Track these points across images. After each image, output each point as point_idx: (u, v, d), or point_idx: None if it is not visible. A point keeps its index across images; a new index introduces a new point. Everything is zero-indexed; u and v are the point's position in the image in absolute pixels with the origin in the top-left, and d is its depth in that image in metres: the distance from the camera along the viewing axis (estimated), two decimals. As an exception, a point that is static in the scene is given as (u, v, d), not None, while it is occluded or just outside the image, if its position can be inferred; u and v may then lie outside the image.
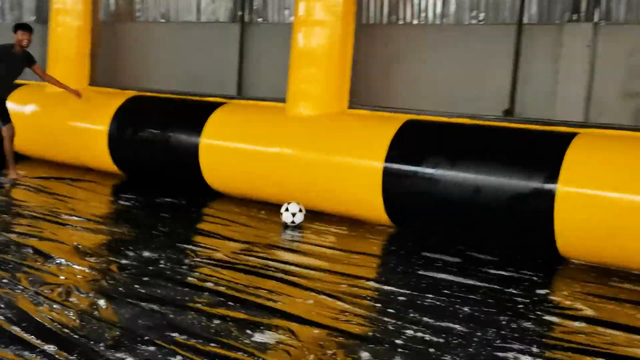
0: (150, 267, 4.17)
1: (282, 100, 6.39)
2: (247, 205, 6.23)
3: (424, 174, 5.20)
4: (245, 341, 3.09)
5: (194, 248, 4.72)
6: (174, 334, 3.12)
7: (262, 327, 3.24)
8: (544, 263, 4.72)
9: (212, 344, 3.03)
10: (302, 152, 5.93)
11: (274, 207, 6.04)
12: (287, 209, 5.46)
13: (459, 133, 5.39)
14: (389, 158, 5.39)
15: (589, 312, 3.75)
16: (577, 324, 3.55)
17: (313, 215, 5.78)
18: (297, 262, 4.47)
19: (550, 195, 4.63)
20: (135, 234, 5.03)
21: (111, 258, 4.34)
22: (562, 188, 4.61)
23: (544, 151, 4.90)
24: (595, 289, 4.20)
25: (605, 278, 4.42)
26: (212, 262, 4.37)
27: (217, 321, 3.30)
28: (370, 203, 5.53)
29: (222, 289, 3.82)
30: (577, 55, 5.53)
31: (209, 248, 4.73)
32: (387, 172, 5.38)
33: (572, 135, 4.87)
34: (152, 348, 2.96)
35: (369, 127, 5.82)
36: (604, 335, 3.38)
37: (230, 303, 3.58)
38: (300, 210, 5.45)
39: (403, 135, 5.49)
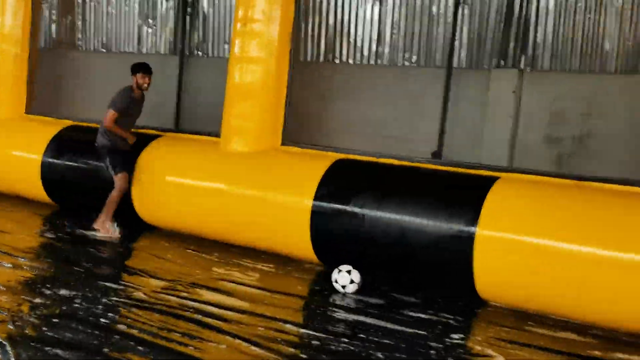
0: (64, 307, 4.08)
1: (219, 134, 6.40)
2: (178, 239, 6.17)
3: (351, 213, 5.24)
4: (147, 390, 3.03)
5: (115, 286, 4.64)
6: (74, 382, 3.05)
7: (167, 375, 3.19)
8: (464, 306, 4.77)
9: (113, 393, 2.97)
10: (234, 187, 5.93)
11: (204, 243, 6.01)
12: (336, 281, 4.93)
13: (387, 173, 5.45)
14: (317, 196, 5.43)
15: (499, 359, 3.80)
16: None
17: (242, 251, 5.77)
18: (218, 303, 4.43)
19: (470, 238, 4.71)
20: (56, 270, 4.93)
21: (24, 296, 4.23)
22: (481, 232, 4.69)
23: (466, 194, 4.99)
24: (509, 334, 4.26)
25: (522, 322, 4.49)
26: (130, 301, 4.31)
27: (122, 368, 3.24)
28: (299, 241, 5.54)
29: (134, 331, 3.76)
30: (503, 101, 5.67)
31: (130, 286, 4.66)
32: (315, 210, 5.40)
33: (494, 180, 4.98)
34: (48, 397, 2.88)
35: (300, 164, 5.85)
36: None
37: (139, 348, 3.52)
38: (352, 282, 4.88)
39: (333, 174, 5.53)
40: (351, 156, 5.78)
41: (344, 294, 4.81)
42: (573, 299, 4.46)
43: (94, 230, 6.18)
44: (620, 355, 4.02)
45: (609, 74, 5.26)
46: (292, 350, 3.69)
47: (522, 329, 4.38)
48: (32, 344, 3.46)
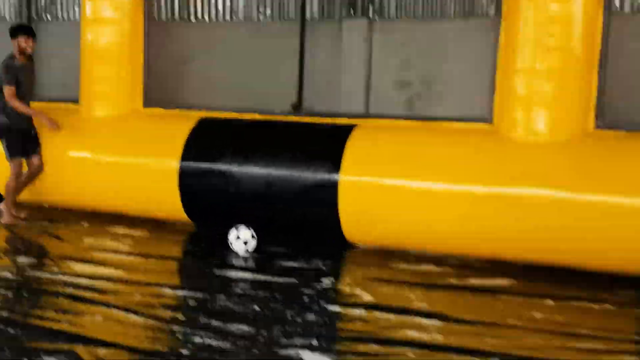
0: None
1: (76, 100, 6.21)
2: (43, 212, 6.01)
3: (218, 171, 5.31)
4: (25, 371, 3.02)
5: (-22, 268, 4.48)
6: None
7: (42, 354, 3.17)
8: (333, 251, 5.02)
9: (-12, 379, 2.93)
10: (99, 154, 5.83)
11: (72, 214, 5.89)
12: (238, 237, 4.91)
13: (250, 129, 5.54)
14: (184, 157, 5.44)
15: (368, 298, 4.06)
16: (356, 311, 3.82)
17: (114, 218, 5.71)
18: (90, 274, 4.39)
19: (333, 186, 4.93)
20: None
21: None
22: (343, 178, 4.92)
23: (327, 143, 5.18)
24: (376, 273, 4.55)
25: (386, 260, 4.80)
26: (-4, 283, 4.19)
27: (-6, 352, 3.19)
28: (169, 203, 5.56)
29: (2, 313, 3.68)
30: (355, 49, 5.87)
31: (-6, 267, 4.52)
32: (183, 171, 5.43)
33: (352, 127, 5.20)
34: None
35: (164, 126, 5.83)
36: (379, 320, 3.68)
37: (9, 330, 3.46)
38: (253, 237, 4.92)
39: (197, 134, 5.55)
40: (214, 114, 5.81)
41: (236, 252, 4.90)
42: (429, 232, 4.81)
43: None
44: (473, 280, 4.41)
45: (448, 19, 5.58)
46: (170, 313, 3.76)
47: (387, 267, 4.68)
48: None
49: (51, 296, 3.98)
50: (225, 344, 3.32)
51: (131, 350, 3.24)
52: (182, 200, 5.47)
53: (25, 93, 5.67)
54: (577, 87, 4.67)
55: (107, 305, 3.83)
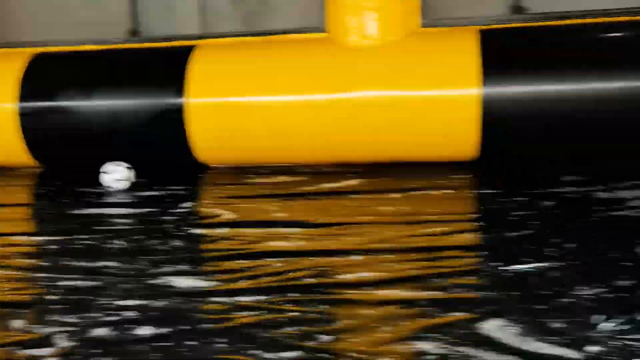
0: None
1: None
2: None
3: (61, 108, 5.11)
4: None
5: None
6: None
7: None
8: (187, 175, 5.06)
9: None
10: None
11: None
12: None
13: (90, 61, 5.32)
14: (22, 97, 5.17)
15: (230, 215, 4.18)
16: (220, 230, 3.94)
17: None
18: None
19: (179, 110, 4.92)
20: None
21: None
22: (188, 100, 4.91)
23: (168, 68, 5.11)
24: (233, 190, 4.66)
25: (241, 177, 4.93)
26: None
27: None
28: (11, 146, 5.29)
29: None
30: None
31: None
32: (23, 112, 5.16)
33: (191, 48, 5.15)
34: None
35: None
36: (243, 236, 3.83)
37: None
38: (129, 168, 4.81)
39: (34, 71, 5.26)
40: (49, 49, 5.51)
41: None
42: (278, 145, 4.97)
43: None
44: (325, 185, 4.65)
45: None
46: (29, 261, 3.68)
47: (243, 183, 4.82)
48: None
49: None
50: (93, 283, 3.34)
51: (-4, 305, 3.17)
52: (27, 143, 5.23)
53: None
54: (401, -11, 4.89)
55: (-40, 263, 3.68)
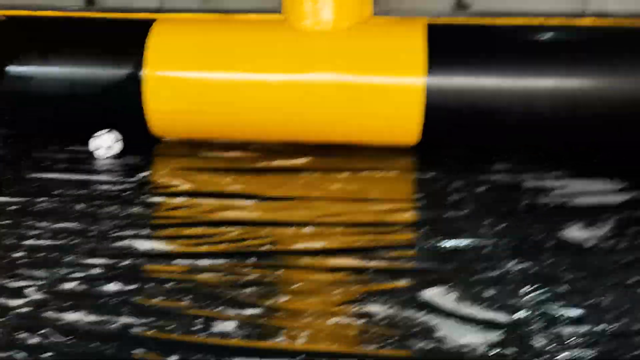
0: None
1: None
2: None
3: (18, 74, 5.15)
4: None
5: None
6: None
7: None
8: (141, 146, 5.19)
9: None
10: None
11: None
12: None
13: (48, 28, 5.36)
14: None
15: (186, 186, 4.37)
16: (178, 199, 4.14)
17: None
18: None
19: (137, 81, 5.05)
20: None
21: None
22: (147, 73, 5.05)
23: (129, 39, 5.21)
24: (188, 163, 4.84)
25: (195, 150, 5.09)
26: None
27: None
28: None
29: None
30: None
31: None
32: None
33: (152, 22, 5.27)
34: None
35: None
36: (200, 205, 4.05)
37: None
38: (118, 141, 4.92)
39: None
40: (7, 12, 5.51)
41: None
42: (232, 121, 5.16)
43: None
44: (276, 162, 4.87)
45: None
46: (-8, 221, 3.80)
47: (197, 156, 4.98)
48: None
49: None
50: (57, 242, 3.50)
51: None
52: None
53: None
54: (356, -21, 5.14)
55: None
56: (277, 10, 5.39)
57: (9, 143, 5.05)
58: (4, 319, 2.75)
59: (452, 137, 5.04)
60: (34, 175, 4.52)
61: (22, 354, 2.50)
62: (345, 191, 4.28)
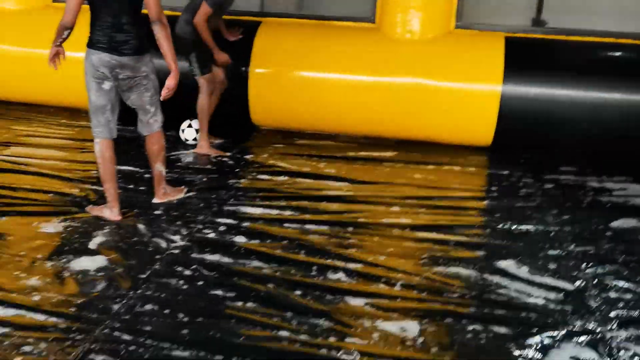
0: None
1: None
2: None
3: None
4: None
5: None
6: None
7: None
8: (243, 132, 5.89)
9: None
10: None
11: None
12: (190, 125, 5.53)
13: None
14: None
15: (287, 166, 5.03)
16: (281, 178, 4.80)
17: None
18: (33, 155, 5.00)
19: (244, 77, 5.75)
20: None
21: None
22: (253, 70, 5.75)
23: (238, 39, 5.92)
24: (284, 148, 5.51)
25: (289, 139, 5.77)
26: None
27: None
28: None
29: (-14, 190, 4.28)
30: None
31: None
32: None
33: (258, 24, 5.97)
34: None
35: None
36: (301, 184, 4.69)
37: None
38: (190, 126, 5.53)
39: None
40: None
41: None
42: (324, 115, 5.82)
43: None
44: (363, 152, 5.49)
45: None
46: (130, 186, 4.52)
47: (292, 144, 5.65)
48: None
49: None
50: (193, 206, 4.19)
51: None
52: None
53: (213, 26, 5.22)
54: (443, -6, 5.74)
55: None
56: (366, 17, 6.01)
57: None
58: (162, 255, 3.45)
59: (523, 141, 5.57)
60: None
61: (181, 281, 3.18)
62: (427, 180, 4.87)
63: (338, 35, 5.91)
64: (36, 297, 2.97)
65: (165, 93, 3.71)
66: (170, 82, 3.69)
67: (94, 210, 3.97)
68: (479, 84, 5.45)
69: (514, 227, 4.03)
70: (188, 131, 5.54)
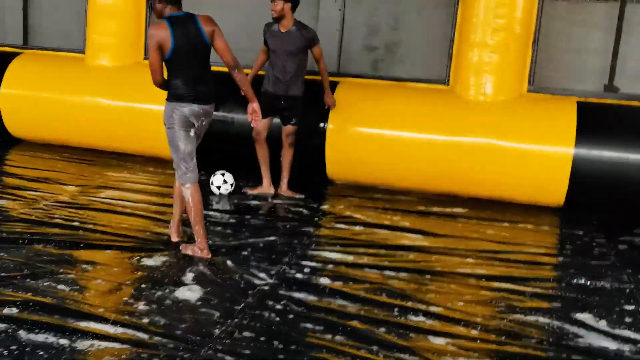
0: (9, 214, 4.79)
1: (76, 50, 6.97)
2: (51, 151, 6.84)
3: (222, 117, 6.28)
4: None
5: (34, 193, 5.35)
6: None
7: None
8: (318, 184, 6.16)
9: None
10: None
11: (79, 151, 6.76)
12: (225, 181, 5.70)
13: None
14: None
15: (361, 218, 5.26)
16: (357, 228, 5.02)
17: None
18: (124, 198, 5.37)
19: (323, 133, 6.06)
20: None
21: None
22: (330, 126, 6.05)
23: (316, 97, 6.26)
24: (360, 201, 5.74)
25: (363, 192, 6.01)
26: (59, 204, 5.09)
27: (103, 252, 4.17)
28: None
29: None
30: (332, 17, 6.95)
31: (49, 192, 5.39)
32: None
33: (335, 84, 6.30)
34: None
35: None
36: (377, 234, 4.90)
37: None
38: (225, 182, 5.70)
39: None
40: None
41: (220, 195, 5.73)
42: (397, 172, 6.04)
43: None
44: (435, 208, 5.68)
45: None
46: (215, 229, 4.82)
47: (366, 197, 5.88)
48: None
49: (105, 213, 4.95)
50: (271, 248, 4.44)
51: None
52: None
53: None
54: (516, 59, 5.97)
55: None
56: (442, 80, 6.29)
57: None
58: (253, 290, 3.69)
59: (595, 202, 5.66)
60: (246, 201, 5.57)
61: (272, 314, 3.39)
62: (500, 236, 5.01)
63: (414, 95, 6.19)
64: (145, 320, 3.23)
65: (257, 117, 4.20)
66: (254, 106, 4.19)
67: (187, 249, 4.26)
68: (551, 146, 5.61)
69: (589, 282, 4.12)
70: (224, 187, 5.74)
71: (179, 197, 4.34)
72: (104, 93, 6.70)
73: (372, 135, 6.03)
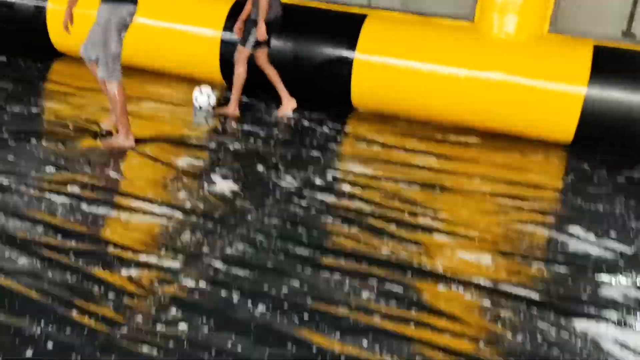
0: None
1: None
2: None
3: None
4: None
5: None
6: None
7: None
8: (341, 110, 6.56)
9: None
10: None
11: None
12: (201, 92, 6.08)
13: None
14: (225, 28, 6.75)
15: (382, 139, 5.67)
16: (377, 148, 5.44)
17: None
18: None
19: (349, 62, 6.42)
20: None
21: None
22: (358, 55, 6.41)
23: (346, 27, 6.59)
24: (380, 126, 6.15)
25: (383, 120, 6.40)
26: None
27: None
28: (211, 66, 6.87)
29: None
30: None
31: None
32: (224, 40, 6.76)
33: (364, 16, 6.64)
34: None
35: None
36: (397, 154, 5.31)
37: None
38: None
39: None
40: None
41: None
42: (420, 102, 6.42)
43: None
44: (452, 137, 6.07)
45: None
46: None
47: (386, 123, 6.29)
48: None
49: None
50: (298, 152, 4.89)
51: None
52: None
53: None
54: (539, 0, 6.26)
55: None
56: (468, 17, 6.58)
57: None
58: (281, 191, 4.15)
59: (602, 141, 6.03)
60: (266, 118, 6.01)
61: (297, 209, 3.87)
62: (508, 163, 5.42)
63: (437, 29, 6.51)
64: (188, 205, 3.73)
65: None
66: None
67: (110, 143, 4.66)
68: (564, 84, 5.94)
69: (584, 203, 4.55)
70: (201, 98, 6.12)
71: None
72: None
73: (398, 66, 6.38)
